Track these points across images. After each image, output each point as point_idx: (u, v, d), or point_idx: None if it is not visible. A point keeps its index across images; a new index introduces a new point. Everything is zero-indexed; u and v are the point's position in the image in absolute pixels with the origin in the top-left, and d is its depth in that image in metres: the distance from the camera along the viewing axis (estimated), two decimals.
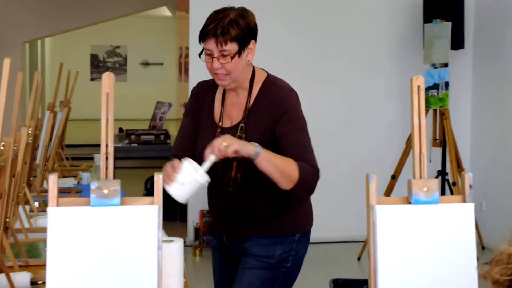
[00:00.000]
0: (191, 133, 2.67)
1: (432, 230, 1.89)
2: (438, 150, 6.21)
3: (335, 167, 6.42)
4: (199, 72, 6.41)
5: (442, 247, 1.88)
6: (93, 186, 1.82)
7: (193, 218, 6.57)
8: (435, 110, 6.17)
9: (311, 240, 2.73)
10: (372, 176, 1.88)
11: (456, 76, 6.52)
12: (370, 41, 6.75)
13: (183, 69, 7.47)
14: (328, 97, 6.57)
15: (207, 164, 2.31)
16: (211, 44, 2.45)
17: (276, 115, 2.52)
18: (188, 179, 2.29)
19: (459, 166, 5.95)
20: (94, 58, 12.58)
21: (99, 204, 1.82)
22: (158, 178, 1.86)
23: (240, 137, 2.52)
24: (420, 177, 1.93)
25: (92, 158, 5.77)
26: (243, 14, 2.50)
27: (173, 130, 8.98)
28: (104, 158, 1.86)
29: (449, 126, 6.01)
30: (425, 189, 1.90)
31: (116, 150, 7.32)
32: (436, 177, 6.08)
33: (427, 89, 6.10)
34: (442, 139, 6.10)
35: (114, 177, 1.84)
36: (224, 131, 2.57)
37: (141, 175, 8.65)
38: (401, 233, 1.88)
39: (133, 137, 7.54)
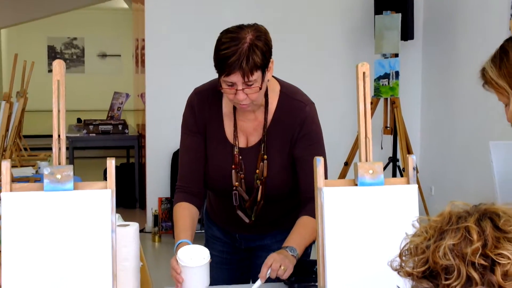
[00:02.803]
0: (200, 153, 2.46)
1: (377, 210, 1.91)
2: (389, 138, 6.35)
3: None
4: (154, 64, 6.54)
5: (387, 226, 1.91)
6: (46, 171, 1.82)
7: (152, 205, 6.64)
8: (386, 99, 6.33)
9: None
10: (320, 159, 1.90)
11: (406, 66, 6.67)
12: (322, 32, 6.85)
13: (140, 60, 7.52)
14: None
15: (258, 284, 2.20)
16: (235, 78, 2.22)
17: (296, 135, 2.40)
18: (190, 272, 2.17)
19: (409, 153, 6.10)
20: (51, 49, 12.50)
21: (53, 189, 1.83)
22: (111, 163, 1.87)
23: (263, 159, 2.41)
24: (366, 160, 1.95)
25: (50, 149, 5.79)
26: (259, 34, 2.27)
27: (131, 120, 9.00)
28: (57, 144, 1.86)
29: (399, 114, 6.14)
30: (370, 171, 1.92)
31: (74, 140, 7.42)
32: (388, 163, 6.25)
33: (378, 78, 6.26)
34: (393, 127, 6.24)
35: (73, 164, 1.88)
36: (243, 151, 2.43)
37: (99, 164, 8.69)
38: (348, 214, 1.90)
39: (91, 127, 7.52)
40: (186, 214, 2.42)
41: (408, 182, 1.97)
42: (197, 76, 6.62)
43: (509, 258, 1.22)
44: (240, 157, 2.44)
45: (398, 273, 1.35)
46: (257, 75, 2.24)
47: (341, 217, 1.90)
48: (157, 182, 6.68)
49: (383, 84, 6.23)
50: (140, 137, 7.66)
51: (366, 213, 1.91)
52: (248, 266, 2.69)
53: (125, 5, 10.76)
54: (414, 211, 1.94)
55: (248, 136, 2.46)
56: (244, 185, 2.46)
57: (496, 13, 5.50)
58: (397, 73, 6.18)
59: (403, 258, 1.34)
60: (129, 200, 7.53)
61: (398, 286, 1.39)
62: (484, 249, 1.22)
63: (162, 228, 6.61)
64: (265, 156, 2.42)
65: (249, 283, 2.61)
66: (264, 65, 2.26)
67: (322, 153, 2.39)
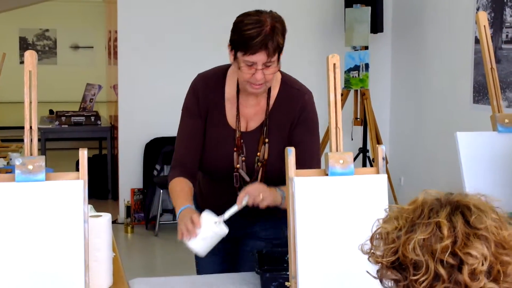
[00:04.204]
0: (199, 136, 2.53)
1: (347, 200, 1.95)
2: (359, 129, 6.44)
3: None
4: (127, 55, 6.56)
5: (357, 215, 1.93)
6: (18, 162, 1.83)
7: (124, 197, 6.65)
8: (356, 91, 6.40)
9: None
10: (291, 150, 1.93)
11: (376, 58, 6.73)
12: (293, 24, 6.87)
13: (112, 52, 7.52)
14: None
15: (234, 209, 2.31)
16: (259, 57, 2.33)
17: (296, 121, 2.50)
18: (210, 234, 2.27)
19: (378, 143, 6.18)
20: (23, 41, 12.40)
21: (24, 180, 1.82)
22: (83, 153, 1.87)
23: (264, 142, 2.50)
24: (337, 150, 1.98)
25: (22, 140, 5.77)
26: (276, 18, 2.40)
27: (104, 111, 8.98)
28: (28, 135, 1.86)
29: (369, 106, 6.23)
30: (341, 161, 1.95)
31: (46, 131, 7.41)
32: (358, 154, 6.34)
33: (349, 70, 6.33)
34: (363, 118, 6.32)
35: (45, 155, 1.86)
36: (245, 135, 2.52)
37: (72, 156, 8.68)
38: (318, 203, 1.92)
39: (63, 118, 7.49)
40: (185, 186, 2.49)
41: (377, 172, 2.01)
42: (169, 68, 6.69)
43: (476, 258, 1.23)
44: (242, 140, 2.52)
45: (368, 258, 1.37)
46: (276, 56, 2.36)
47: (312, 207, 1.92)
48: (129, 173, 6.69)
49: (353, 76, 6.30)
50: (113, 129, 7.65)
51: (336, 202, 1.95)
52: (235, 255, 2.72)
53: None
54: (383, 200, 1.97)
55: (248, 121, 2.54)
56: (245, 167, 2.53)
57: (462, 7, 5.59)
58: (367, 65, 6.26)
59: (374, 242, 1.36)
60: (101, 191, 7.51)
61: (367, 271, 1.40)
62: (453, 247, 1.24)
63: (135, 219, 6.61)
64: (267, 140, 2.51)
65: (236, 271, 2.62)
66: (282, 47, 2.39)
67: (317, 140, 2.56)
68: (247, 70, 2.36)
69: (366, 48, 6.30)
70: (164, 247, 6.15)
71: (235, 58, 2.39)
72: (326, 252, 1.93)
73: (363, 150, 6.39)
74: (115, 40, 6.88)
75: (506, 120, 2.43)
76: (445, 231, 1.25)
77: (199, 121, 2.53)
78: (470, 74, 5.48)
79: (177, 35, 6.62)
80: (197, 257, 2.70)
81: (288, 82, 2.58)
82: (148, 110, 6.63)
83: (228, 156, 2.52)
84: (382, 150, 2.02)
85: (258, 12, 2.39)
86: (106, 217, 2.25)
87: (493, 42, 5.04)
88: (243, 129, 2.53)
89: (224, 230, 2.28)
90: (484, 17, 2.53)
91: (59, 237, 1.83)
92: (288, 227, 1.93)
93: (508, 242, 1.27)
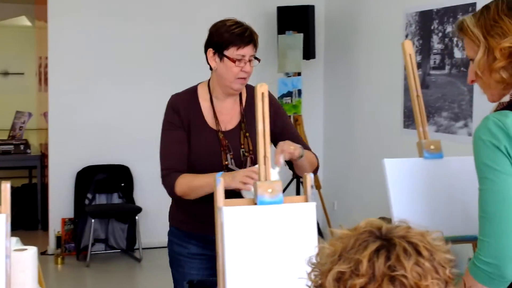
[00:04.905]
0: (184, 144, 2.77)
1: (277, 228, 1.96)
2: None
3: None
4: (58, 82, 6.47)
5: (287, 244, 1.95)
6: None
7: (55, 227, 6.52)
8: (289, 117, 6.46)
9: None
10: (220, 180, 1.95)
11: (309, 84, 6.79)
12: None
13: (43, 78, 7.41)
14: None
15: (278, 169, 2.46)
16: (248, 50, 2.71)
17: (272, 114, 2.64)
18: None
19: None
20: None
21: None
22: (6, 187, 1.83)
23: (245, 136, 2.78)
24: (265, 180, 2.01)
25: None
26: None
27: (33, 139, 8.80)
28: None
29: (302, 131, 6.28)
30: (269, 190, 1.98)
31: None
32: (291, 180, 6.36)
33: (282, 96, 6.37)
34: None
35: None
36: (227, 134, 2.79)
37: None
38: (248, 232, 1.93)
39: None
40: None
41: (306, 200, 2.03)
42: (101, 95, 6.60)
43: None
44: (226, 140, 2.77)
45: (309, 273, 1.34)
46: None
47: (241, 236, 1.93)
48: (60, 202, 6.55)
49: (286, 102, 6.34)
50: (43, 157, 7.51)
51: (265, 231, 1.96)
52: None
53: (28, 23, 10.58)
54: (312, 228, 1.99)
55: (226, 125, 2.81)
56: (233, 162, 2.75)
57: (392, 33, 5.71)
58: (299, 91, 6.31)
59: (318, 259, 1.34)
60: (30, 221, 7.28)
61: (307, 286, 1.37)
62: (364, 287, 1.23)
63: (65, 250, 6.47)
64: (247, 134, 2.78)
65: None
66: None
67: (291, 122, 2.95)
68: (238, 64, 2.69)
69: (299, 74, 6.35)
70: (95, 278, 6.03)
71: (222, 58, 2.71)
72: (256, 282, 1.93)
73: (297, 176, 6.39)
74: (46, 66, 6.77)
75: (432, 147, 2.46)
76: (363, 269, 1.23)
77: (183, 131, 2.77)
78: (401, 99, 5.57)
79: (109, 62, 6.56)
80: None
81: (251, 87, 2.82)
82: (80, 138, 6.53)
83: (217, 156, 2.75)
84: (310, 178, 2.04)
85: (229, 18, 2.77)
86: (31, 251, 2.19)
87: (421, 68, 5.16)
88: (223, 129, 2.79)
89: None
90: (409, 45, 2.58)
91: None
92: (217, 257, 1.93)
93: None
